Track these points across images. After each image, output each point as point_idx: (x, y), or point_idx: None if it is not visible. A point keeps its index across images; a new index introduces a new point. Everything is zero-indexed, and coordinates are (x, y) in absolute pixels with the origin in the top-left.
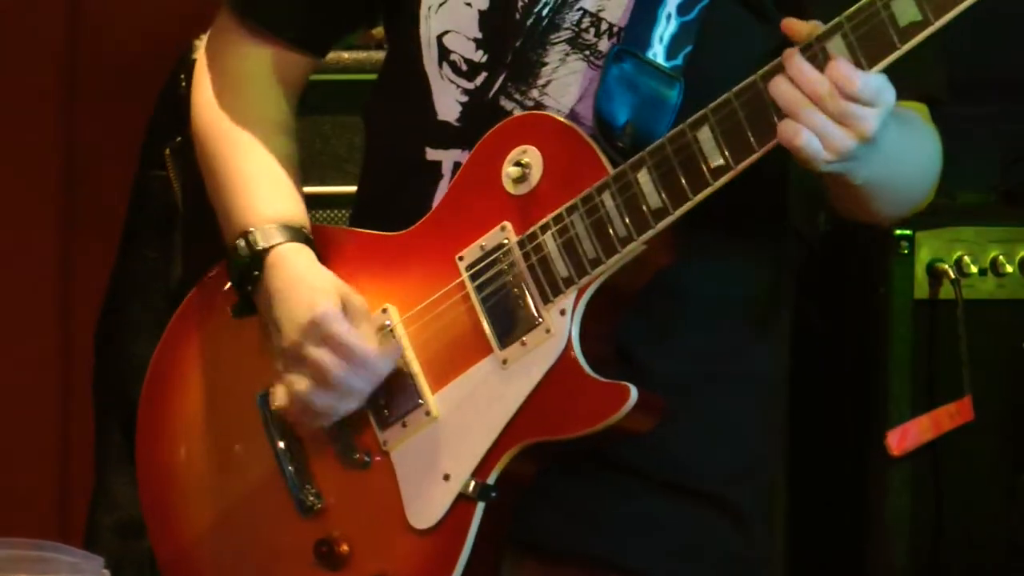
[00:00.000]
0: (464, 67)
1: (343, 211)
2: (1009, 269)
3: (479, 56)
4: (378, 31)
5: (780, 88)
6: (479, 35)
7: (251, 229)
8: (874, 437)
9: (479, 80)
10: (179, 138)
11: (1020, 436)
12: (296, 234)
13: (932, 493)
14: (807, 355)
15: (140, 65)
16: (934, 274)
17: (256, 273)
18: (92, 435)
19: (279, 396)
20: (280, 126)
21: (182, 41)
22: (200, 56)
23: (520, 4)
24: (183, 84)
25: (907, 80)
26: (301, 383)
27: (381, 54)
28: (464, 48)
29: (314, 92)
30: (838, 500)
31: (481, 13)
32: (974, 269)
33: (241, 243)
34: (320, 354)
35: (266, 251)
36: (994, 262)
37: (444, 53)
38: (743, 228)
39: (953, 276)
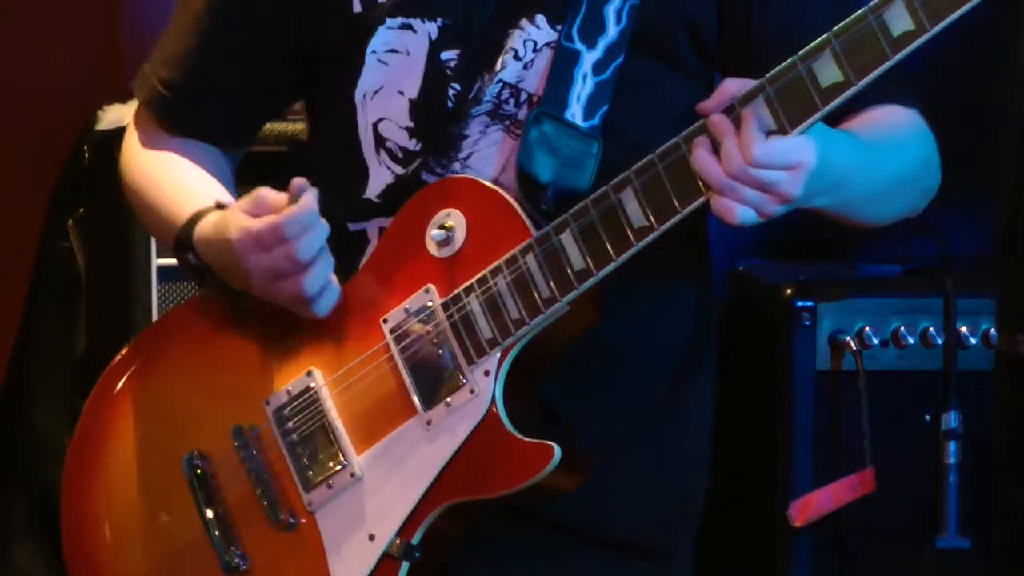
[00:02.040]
0: (400, 155)
1: None
2: (911, 340)
3: (412, 144)
4: None
5: (702, 163)
6: (411, 124)
7: (179, 227)
8: (776, 508)
9: (413, 166)
10: (82, 209)
11: (922, 508)
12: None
13: (834, 564)
14: None
15: (43, 135)
16: (836, 345)
17: (191, 255)
18: None
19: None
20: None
21: (86, 112)
22: (126, 140)
23: (452, 93)
24: (86, 155)
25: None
26: (284, 288)
27: (283, 125)
28: (397, 136)
29: None
30: (741, 570)
31: (412, 102)
32: (876, 340)
33: (175, 243)
34: (265, 258)
35: (188, 232)
36: (895, 333)
37: (380, 140)
38: (668, 283)
39: (855, 347)
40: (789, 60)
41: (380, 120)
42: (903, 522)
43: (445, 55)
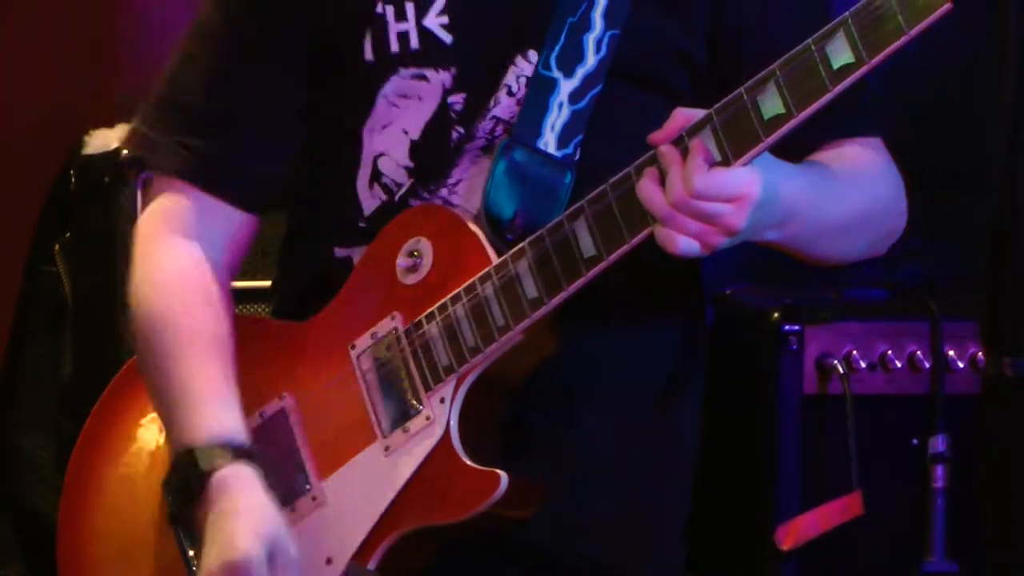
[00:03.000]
0: (393, 188)
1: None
2: (898, 364)
3: (405, 179)
4: None
5: (646, 193)
6: (410, 164)
7: (194, 448)
8: (764, 532)
9: (399, 195)
10: (68, 233)
11: (910, 532)
12: (239, 452)
13: None
14: None
15: (30, 160)
16: (823, 369)
17: (198, 491)
18: None
19: None
20: (225, 314)
21: (72, 137)
22: (143, 226)
23: (456, 136)
24: (72, 180)
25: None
26: None
27: None
28: (395, 174)
29: None
30: None
31: (413, 143)
32: (863, 364)
33: (184, 460)
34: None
35: (208, 474)
36: (883, 357)
37: (376, 175)
38: (659, 308)
39: (842, 371)
40: (735, 92)
41: (381, 155)
42: (891, 546)
43: (451, 99)
